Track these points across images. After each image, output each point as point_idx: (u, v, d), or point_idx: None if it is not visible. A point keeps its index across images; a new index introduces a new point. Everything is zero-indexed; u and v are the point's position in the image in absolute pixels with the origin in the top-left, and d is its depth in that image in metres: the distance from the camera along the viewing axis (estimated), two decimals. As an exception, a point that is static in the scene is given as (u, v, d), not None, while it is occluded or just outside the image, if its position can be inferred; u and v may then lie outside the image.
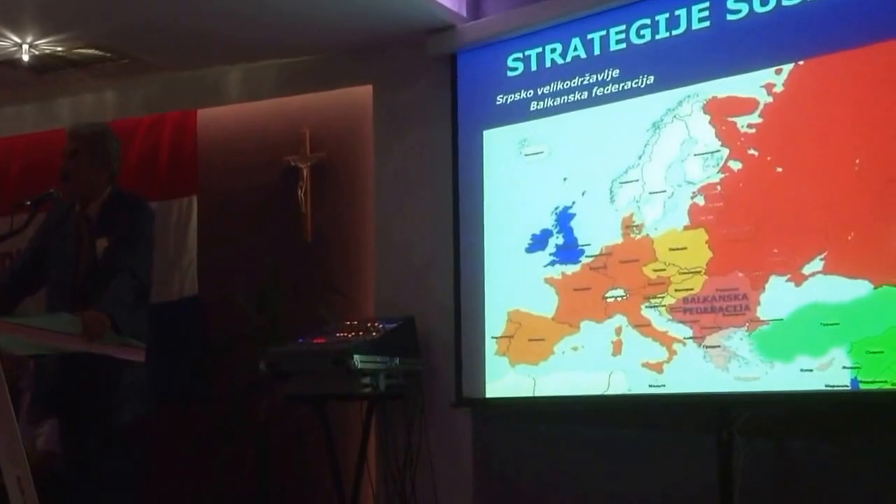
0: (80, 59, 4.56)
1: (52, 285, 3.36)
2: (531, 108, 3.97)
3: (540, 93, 3.95)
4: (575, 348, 3.76)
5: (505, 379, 3.95)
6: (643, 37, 3.70)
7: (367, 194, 4.53)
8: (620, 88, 3.74)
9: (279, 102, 4.77)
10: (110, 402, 3.21)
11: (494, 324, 3.99)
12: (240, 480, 4.35)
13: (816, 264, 3.22)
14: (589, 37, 3.83)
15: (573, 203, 3.82)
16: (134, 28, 4.20)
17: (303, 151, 4.68)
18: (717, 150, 3.47)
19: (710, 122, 3.50)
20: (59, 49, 4.42)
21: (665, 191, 3.58)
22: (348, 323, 4.12)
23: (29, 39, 4.30)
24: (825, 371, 3.17)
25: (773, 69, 3.37)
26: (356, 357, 3.75)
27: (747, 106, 3.42)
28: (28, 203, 3.26)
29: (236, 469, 4.34)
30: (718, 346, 3.40)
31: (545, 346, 3.83)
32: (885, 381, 3.06)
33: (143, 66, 4.66)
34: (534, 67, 3.99)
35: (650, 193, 3.61)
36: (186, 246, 4.83)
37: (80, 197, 3.35)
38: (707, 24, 3.55)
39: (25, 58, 4.39)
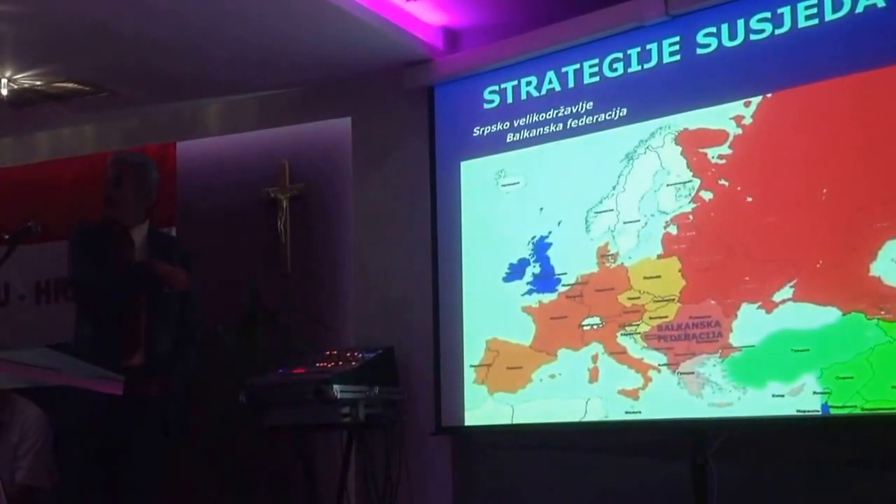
0: (59, 92, 4.57)
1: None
2: (507, 140, 4.04)
3: (516, 125, 4.02)
4: (552, 376, 3.80)
5: (483, 407, 3.98)
6: (616, 70, 3.79)
7: (345, 225, 4.56)
8: (594, 120, 3.81)
9: (258, 134, 4.80)
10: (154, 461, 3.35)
11: (473, 352, 4.03)
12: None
13: (787, 292, 3.29)
14: (563, 70, 3.91)
15: (549, 233, 3.88)
16: (113, 63, 4.23)
17: (282, 183, 4.71)
18: (689, 181, 3.55)
19: (681, 154, 3.58)
20: (38, 83, 4.44)
21: (639, 220, 3.65)
22: (328, 353, 4.14)
23: (7, 74, 4.32)
24: (796, 396, 3.23)
25: (742, 102, 3.45)
26: (336, 387, 3.77)
27: (717, 137, 3.50)
28: (7, 237, 3.26)
29: (215, 500, 4.32)
30: (692, 373, 3.45)
31: (523, 374, 3.86)
32: (855, 406, 3.12)
33: (122, 99, 4.68)
34: (510, 100, 4.07)
35: (624, 223, 3.68)
36: (165, 277, 4.83)
37: (119, 222, 3.40)
38: (678, 57, 3.63)
39: (4, 92, 4.40)
